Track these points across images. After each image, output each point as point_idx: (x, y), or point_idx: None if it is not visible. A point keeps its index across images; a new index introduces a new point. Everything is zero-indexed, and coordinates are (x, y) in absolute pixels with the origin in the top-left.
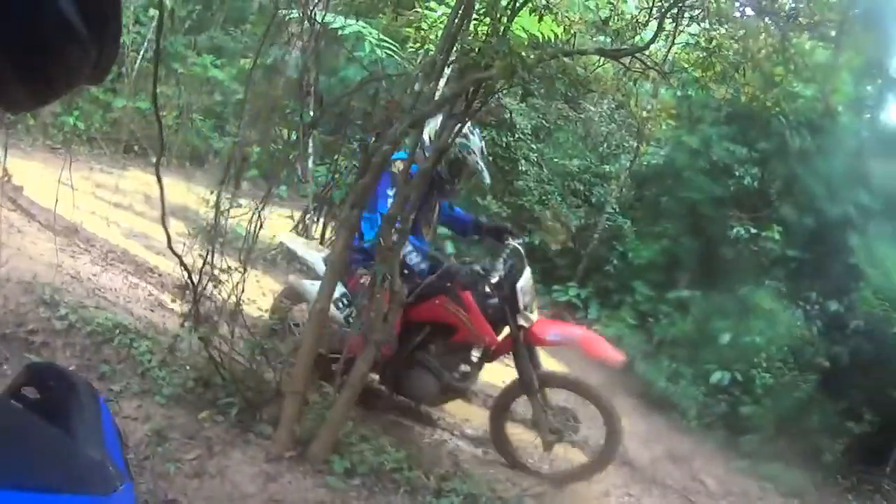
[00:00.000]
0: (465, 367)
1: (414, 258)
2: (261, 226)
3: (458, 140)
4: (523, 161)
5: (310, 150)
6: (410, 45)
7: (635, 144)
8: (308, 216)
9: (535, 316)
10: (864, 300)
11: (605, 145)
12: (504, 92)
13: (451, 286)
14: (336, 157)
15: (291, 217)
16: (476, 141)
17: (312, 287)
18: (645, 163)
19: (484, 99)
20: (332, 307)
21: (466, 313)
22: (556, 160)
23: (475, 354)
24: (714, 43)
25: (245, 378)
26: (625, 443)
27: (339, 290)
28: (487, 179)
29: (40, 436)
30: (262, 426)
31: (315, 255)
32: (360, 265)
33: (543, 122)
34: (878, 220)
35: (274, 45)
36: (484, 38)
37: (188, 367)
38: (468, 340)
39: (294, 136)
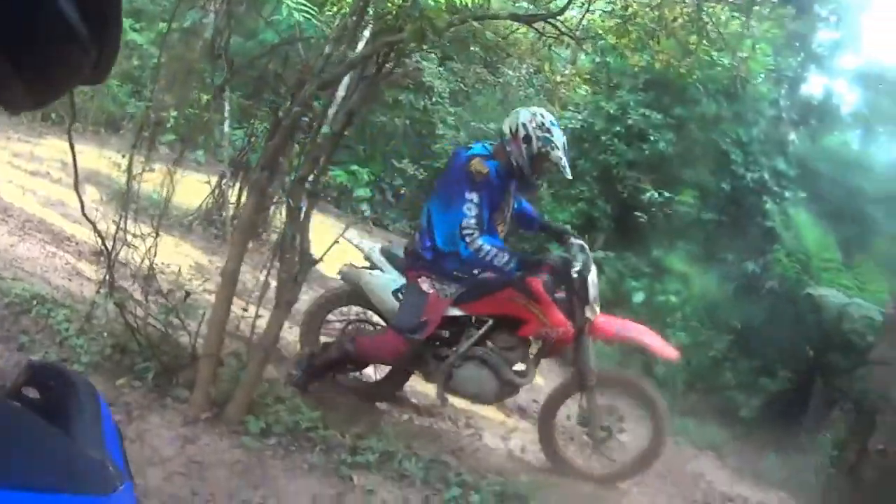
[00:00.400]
0: (522, 365)
1: (502, 259)
2: (173, 189)
3: (540, 134)
4: (441, 124)
5: (226, 113)
6: (328, 8)
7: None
8: (224, 181)
9: (598, 310)
10: (778, 262)
11: None
12: (422, 56)
13: (520, 278)
14: (252, 120)
15: (209, 182)
16: (559, 135)
17: (372, 278)
18: (562, 127)
19: (396, 62)
20: (392, 299)
21: (538, 304)
22: (473, 124)
23: (531, 351)
24: (630, 10)
25: (161, 343)
26: (540, 400)
27: (399, 281)
28: (569, 175)
29: (40, 436)
30: (179, 390)
31: (370, 244)
32: (427, 270)
33: (461, 85)
34: (794, 185)
35: (193, 9)
36: (399, 1)
37: (105, 335)
38: (539, 332)
39: (209, 100)
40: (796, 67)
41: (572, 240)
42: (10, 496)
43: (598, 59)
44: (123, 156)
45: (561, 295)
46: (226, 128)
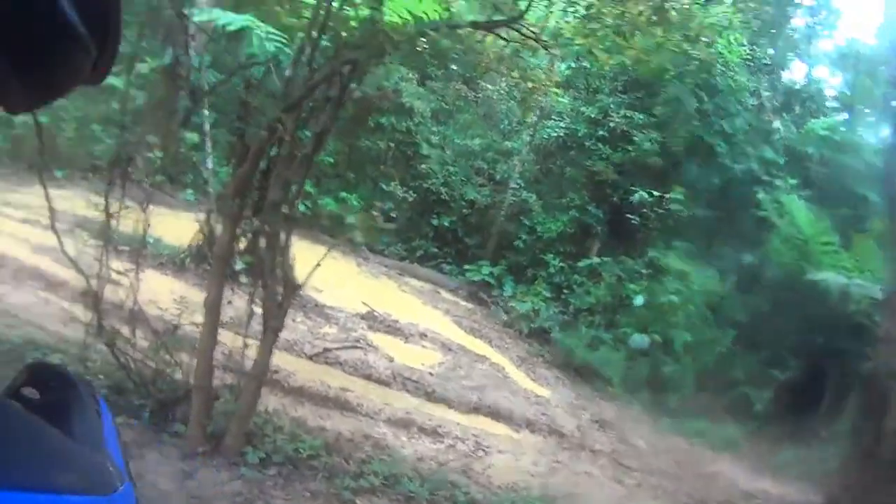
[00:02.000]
0: None
1: None
2: (148, 224)
3: None
4: (425, 144)
5: (208, 148)
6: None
7: (534, 118)
8: (212, 216)
9: None
10: (775, 251)
11: (505, 122)
12: (401, 77)
13: None
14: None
15: (198, 220)
16: None
17: None
18: (545, 136)
19: (359, 79)
20: None
21: None
22: (458, 141)
23: None
24: (591, 8)
25: (154, 380)
26: (551, 412)
27: None
28: None
29: (40, 436)
30: (176, 425)
31: None
32: None
33: (443, 104)
34: (783, 172)
35: (170, 47)
36: (357, 21)
37: (101, 376)
38: None
39: (196, 138)
40: (774, 55)
41: None
42: (10, 496)
43: (574, 65)
44: (99, 195)
45: None
46: (209, 164)
